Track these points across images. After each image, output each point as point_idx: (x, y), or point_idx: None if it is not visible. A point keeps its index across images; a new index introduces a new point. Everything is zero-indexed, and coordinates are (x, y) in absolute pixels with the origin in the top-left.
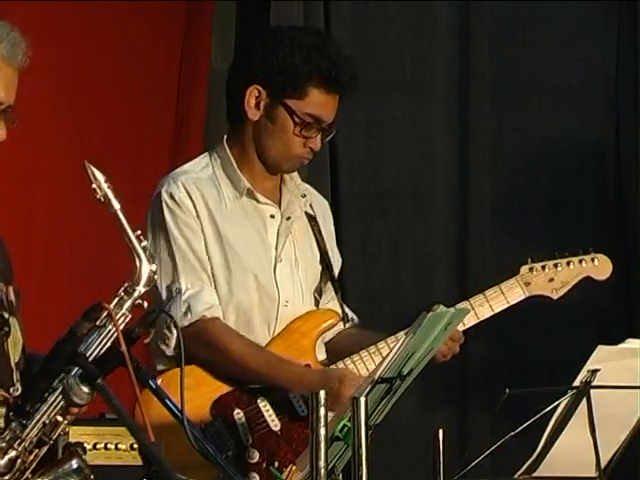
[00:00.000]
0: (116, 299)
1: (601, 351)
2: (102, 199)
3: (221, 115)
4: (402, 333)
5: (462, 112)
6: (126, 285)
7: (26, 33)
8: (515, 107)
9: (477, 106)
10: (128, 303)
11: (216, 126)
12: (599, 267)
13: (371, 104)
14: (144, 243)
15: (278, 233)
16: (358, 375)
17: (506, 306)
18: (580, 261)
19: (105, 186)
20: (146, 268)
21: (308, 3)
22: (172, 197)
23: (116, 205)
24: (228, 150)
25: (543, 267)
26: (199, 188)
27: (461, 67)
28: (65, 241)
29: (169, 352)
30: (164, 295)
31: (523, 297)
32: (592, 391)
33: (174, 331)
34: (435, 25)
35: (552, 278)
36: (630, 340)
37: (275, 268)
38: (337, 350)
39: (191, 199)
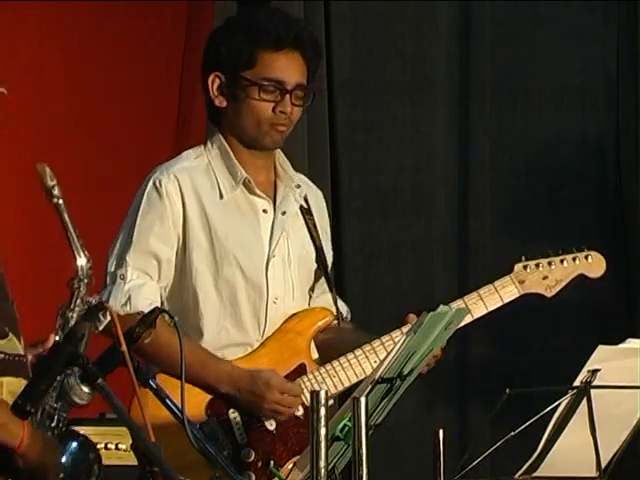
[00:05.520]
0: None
1: (601, 351)
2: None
3: None
4: (397, 332)
5: (462, 112)
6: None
7: (27, 33)
8: (515, 107)
9: (477, 106)
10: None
11: None
12: (593, 265)
13: (371, 104)
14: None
15: (272, 228)
16: (286, 381)
17: (500, 304)
18: (574, 259)
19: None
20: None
21: (308, 3)
22: (159, 186)
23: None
24: (224, 140)
25: (537, 265)
26: (192, 179)
27: (461, 67)
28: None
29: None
30: (107, 279)
31: (517, 295)
32: (592, 391)
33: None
34: (435, 25)
35: (546, 276)
36: (630, 340)
37: (268, 264)
38: (328, 348)
39: (181, 191)
